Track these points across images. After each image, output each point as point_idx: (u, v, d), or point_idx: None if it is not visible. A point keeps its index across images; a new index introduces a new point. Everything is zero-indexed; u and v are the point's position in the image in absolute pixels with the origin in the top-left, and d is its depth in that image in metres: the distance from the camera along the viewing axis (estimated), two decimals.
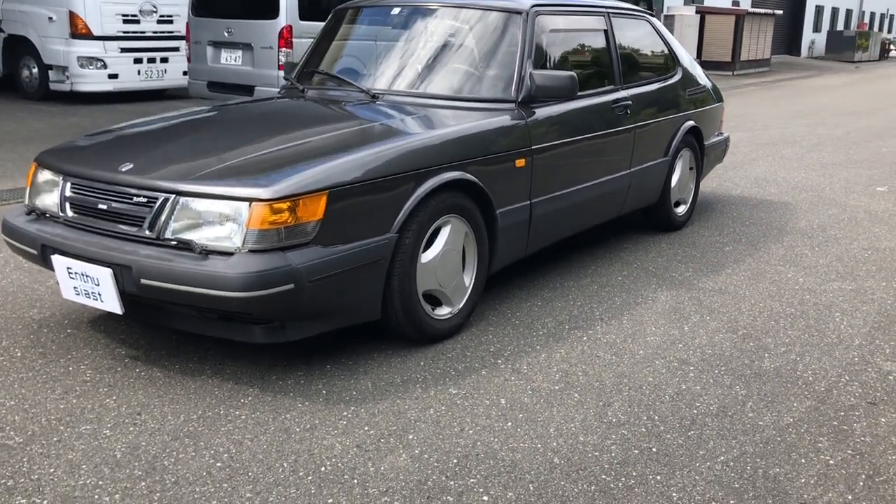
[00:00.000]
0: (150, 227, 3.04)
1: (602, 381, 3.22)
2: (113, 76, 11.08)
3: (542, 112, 4.06)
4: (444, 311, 3.59)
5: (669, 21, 20.44)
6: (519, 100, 3.97)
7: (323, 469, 2.59)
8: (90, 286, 3.11)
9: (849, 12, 41.71)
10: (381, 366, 3.32)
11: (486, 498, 2.45)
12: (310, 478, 2.54)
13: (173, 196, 3.01)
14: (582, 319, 3.86)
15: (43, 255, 3.26)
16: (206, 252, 2.94)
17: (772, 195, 6.62)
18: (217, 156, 3.27)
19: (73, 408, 2.94)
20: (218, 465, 2.60)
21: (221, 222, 2.97)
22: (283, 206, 2.92)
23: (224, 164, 3.14)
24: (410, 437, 2.79)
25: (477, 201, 3.65)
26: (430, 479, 2.54)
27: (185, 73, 11.46)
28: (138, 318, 3.21)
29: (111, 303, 3.09)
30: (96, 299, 3.13)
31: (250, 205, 2.92)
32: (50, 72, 10.97)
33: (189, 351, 3.41)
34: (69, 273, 3.16)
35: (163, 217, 3.02)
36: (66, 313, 3.82)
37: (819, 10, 37.76)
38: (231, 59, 9.56)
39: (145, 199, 3.07)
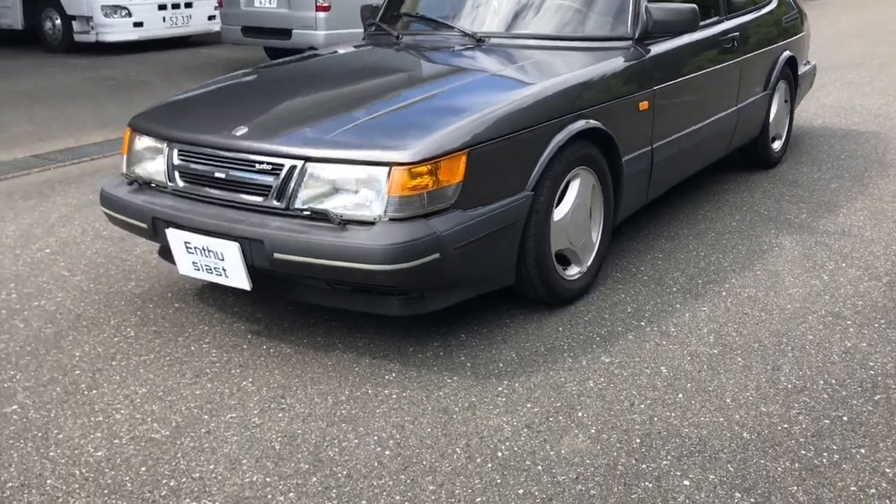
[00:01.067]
0: (278, 197, 2.80)
1: (761, 342, 3.02)
2: (138, 24, 10.73)
3: (658, 49, 3.77)
4: (573, 271, 3.37)
5: None
6: (636, 37, 3.67)
7: (500, 454, 2.40)
8: (213, 261, 2.90)
9: None
10: (518, 333, 3.12)
11: (686, 482, 2.27)
12: (489, 465, 2.36)
13: (302, 162, 2.77)
14: (713, 272, 3.63)
15: (154, 228, 3.04)
16: (344, 222, 2.70)
17: (855, 124, 6.31)
18: (338, 116, 3.02)
19: (211, 393, 2.76)
20: (387, 453, 2.42)
21: (357, 189, 2.74)
22: (424, 169, 2.69)
23: (352, 124, 2.89)
24: (580, 414, 2.60)
25: (603, 150, 3.40)
26: (619, 463, 2.36)
27: (210, 19, 11.10)
28: (266, 293, 2.99)
29: (238, 278, 2.88)
30: (220, 275, 2.92)
31: (390, 169, 2.67)
32: (73, 23, 10.61)
33: (311, 324, 3.21)
34: (187, 248, 2.94)
35: (291, 185, 2.78)
36: (167, 285, 3.62)
37: None
38: (266, 2, 9.18)
39: (270, 167, 2.82)
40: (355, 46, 4.16)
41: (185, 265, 3.01)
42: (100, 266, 3.88)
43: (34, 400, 2.74)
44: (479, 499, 2.21)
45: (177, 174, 3.06)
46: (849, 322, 3.16)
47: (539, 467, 2.35)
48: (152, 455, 2.43)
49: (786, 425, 2.52)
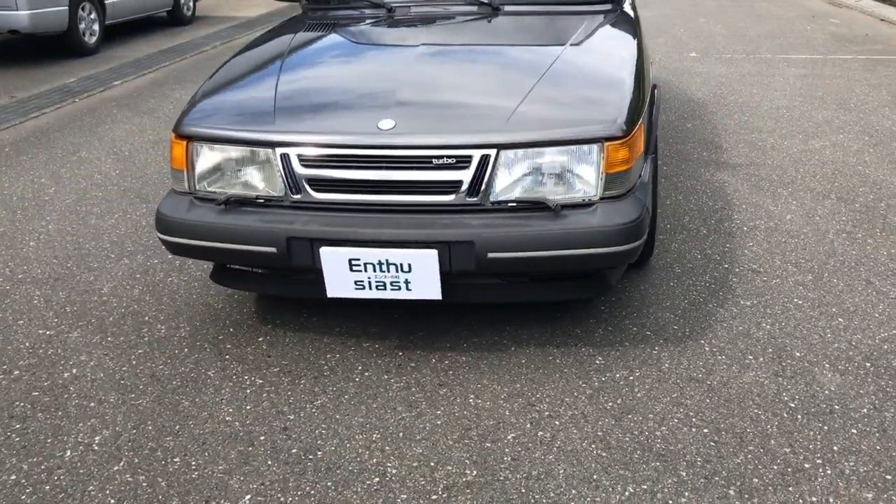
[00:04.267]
0: (472, 192, 2.54)
1: None
2: None
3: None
4: None
5: None
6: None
7: None
8: (391, 276, 2.57)
9: None
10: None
11: None
12: None
13: (495, 151, 2.54)
14: None
15: (289, 251, 2.59)
16: (560, 208, 2.55)
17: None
18: (493, 93, 2.79)
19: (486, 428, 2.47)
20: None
21: (564, 171, 2.58)
22: (630, 142, 2.61)
23: (521, 102, 2.68)
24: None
25: None
26: None
27: None
28: (454, 301, 2.70)
29: (427, 289, 2.60)
30: (397, 289, 2.60)
31: (602, 145, 2.56)
32: None
33: (471, 326, 2.99)
34: (351, 266, 2.57)
35: (486, 178, 2.54)
36: (251, 322, 3.10)
37: None
38: None
39: (454, 160, 2.54)
40: (341, 22, 3.68)
41: (342, 286, 2.62)
42: (191, 307, 3.19)
43: None
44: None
45: (305, 184, 2.62)
46: None
47: None
48: None
49: None
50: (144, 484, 2.26)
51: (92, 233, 4.03)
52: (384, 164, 2.59)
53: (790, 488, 2.17)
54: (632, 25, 3.53)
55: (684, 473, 2.23)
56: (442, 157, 2.56)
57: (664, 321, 3.02)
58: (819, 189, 4.35)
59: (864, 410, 2.49)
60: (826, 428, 2.41)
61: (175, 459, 2.35)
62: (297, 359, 2.84)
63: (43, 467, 2.34)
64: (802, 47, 8.43)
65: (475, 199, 2.57)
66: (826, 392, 2.58)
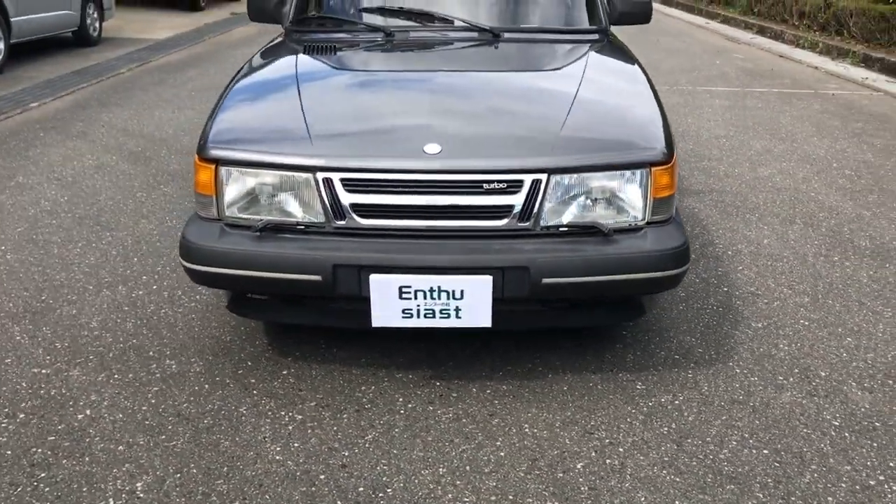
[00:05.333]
0: (524, 217, 2.52)
1: None
2: None
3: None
4: None
5: None
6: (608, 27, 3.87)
7: None
8: (442, 303, 2.52)
9: None
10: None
11: None
12: None
13: (546, 176, 2.53)
14: None
15: (335, 279, 2.49)
16: (612, 233, 2.56)
17: None
18: (533, 118, 2.78)
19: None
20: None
21: (612, 196, 2.60)
22: (672, 168, 2.66)
23: (563, 127, 2.68)
24: None
25: None
26: None
27: None
28: (500, 329, 2.65)
29: (478, 317, 2.55)
30: (447, 317, 2.54)
31: (649, 170, 2.59)
32: None
33: (501, 354, 2.94)
34: (401, 293, 2.50)
35: (538, 202, 2.52)
36: (272, 352, 2.95)
37: None
38: None
39: (505, 185, 2.52)
40: (335, 46, 3.57)
41: (390, 314, 2.54)
42: (214, 341, 2.97)
43: None
44: None
45: (349, 209, 2.53)
46: None
47: None
48: None
49: None
50: None
51: (59, 263, 3.76)
52: (433, 189, 2.53)
53: None
54: (626, 52, 3.60)
55: (761, 495, 2.25)
56: (493, 181, 2.53)
57: (688, 344, 3.06)
58: (784, 215, 4.54)
59: None
60: (876, 445, 2.48)
61: (235, 503, 2.20)
62: (330, 392, 2.72)
63: None
64: (719, 80, 8.83)
65: (527, 223, 2.55)
66: (863, 410, 2.67)
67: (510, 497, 2.23)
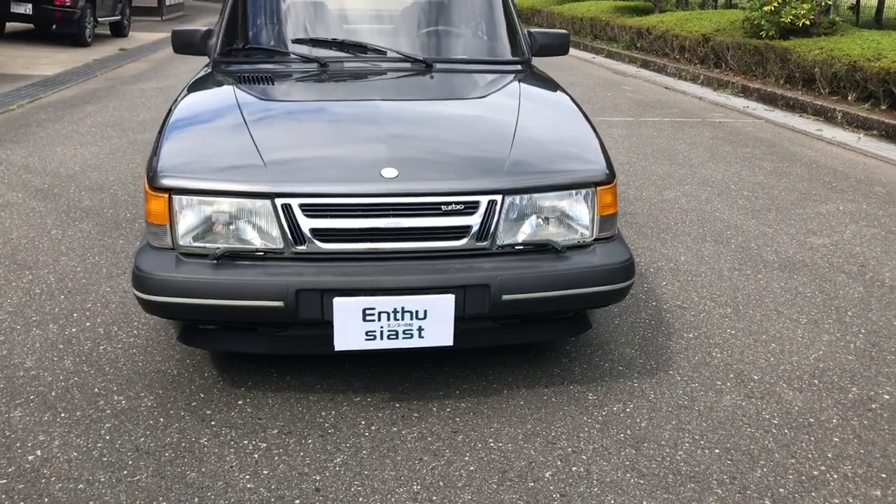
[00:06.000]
0: (481, 237, 2.62)
1: None
2: None
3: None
4: None
5: None
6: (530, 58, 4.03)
7: None
8: (405, 323, 2.58)
9: None
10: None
11: None
12: None
13: (500, 197, 2.64)
14: None
15: (297, 304, 2.52)
16: (563, 250, 2.69)
17: None
18: (478, 142, 2.89)
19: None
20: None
21: (562, 215, 2.73)
22: (613, 187, 2.82)
23: (512, 150, 2.80)
24: None
25: None
26: None
27: None
28: (460, 347, 2.72)
29: (440, 336, 2.62)
30: (410, 337, 2.61)
31: (594, 190, 2.74)
32: None
33: (454, 373, 3.00)
34: (365, 315, 2.54)
35: (494, 222, 2.63)
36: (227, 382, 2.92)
37: None
38: None
39: (461, 206, 2.61)
40: (269, 75, 3.58)
41: (352, 338, 2.58)
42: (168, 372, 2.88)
43: None
44: None
45: (309, 234, 2.56)
46: None
47: None
48: None
49: None
50: None
51: None
52: (393, 212, 2.58)
53: (813, 493, 2.38)
54: (551, 81, 3.76)
55: (720, 491, 2.39)
56: (451, 202, 2.61)
57: (629, 356, 3.20)
58: (694, 234, 4.80)
59: (835, 420, 2.79)
60: (813, 439, 2.67)
61: None
62: (290, 419, 2.71)
63: None
64: (613, 111, 9.23)
65: (485, 243, 2.64)
66: (797, 408, 2.86)
67: None
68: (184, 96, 3.32)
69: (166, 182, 2.62)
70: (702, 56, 12.30)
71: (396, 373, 3.00)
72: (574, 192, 2.72)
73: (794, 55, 9.90)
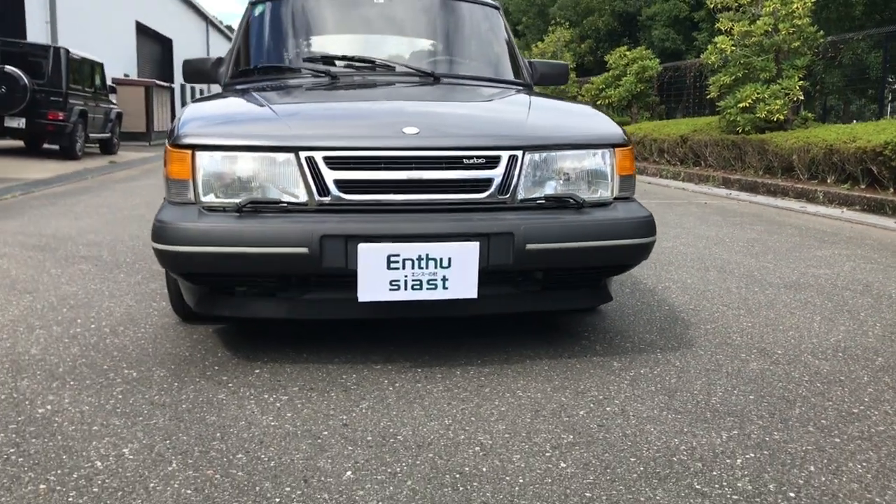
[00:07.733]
0: (502, 190, 2.64)
1: None
2: None
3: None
4: None
5: None
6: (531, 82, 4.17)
7: None
8: (430, 272, 2.55)
9: None
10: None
11: None
12: None
13: (521, 153, 2.67)
14: None
15: (322, 250, 2.50)
16: (585, 205, 2.70)
17: None
18: (497, 112, 2.95)
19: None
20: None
21: (582, 172, 2.76)
22: (631, 151, 2.87)
23: (529, 117, 2.86)
24: None
25: None
26: None
27: None
28: (484, 313, 2.68)
29: (464, 286, 2.59)
30: (434, 287, 2.57)
31: (612, 150, 2.78)
32: None
33: (475, 349, 2.93)
34: (390, 263, 2.52)
35: (514, 176, 2.65)
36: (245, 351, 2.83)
37: None
38: None
39: (483, 160, 2.64)
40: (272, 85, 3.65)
41: (376, 287, 2.53)
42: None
43: None
44: None
45: (331, 186, 2.57)
46: None
47: None
48: None
49: None
50: (218, 476, 1.95)
51: None
52: (415, 165, 2.60)
53: (857, 423, 2.31)
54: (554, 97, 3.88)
55: (760, 421, 2.31)
56: (472, 157, 2.63)
57: (649, 339, 3.16)
58: (698, 265, 4.82)
59: (866, 378, 2.74)
60: (847, 390, 2.62)
61: (239, 455, 2.06)
62: (311, 380, 2.63)
63: (76, 475, 1.95)
64: None
65: (506, 196, 2.64)
66: (825, 370, 2.81)
67: (523, 434, 2.20)
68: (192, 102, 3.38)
69: (189, 140, 2.63)
70: (681, 156, 12.68)
71: (415, 347, 2.94)
72: (593, 151, 2.76)
73: (772, 145, 10.25)
